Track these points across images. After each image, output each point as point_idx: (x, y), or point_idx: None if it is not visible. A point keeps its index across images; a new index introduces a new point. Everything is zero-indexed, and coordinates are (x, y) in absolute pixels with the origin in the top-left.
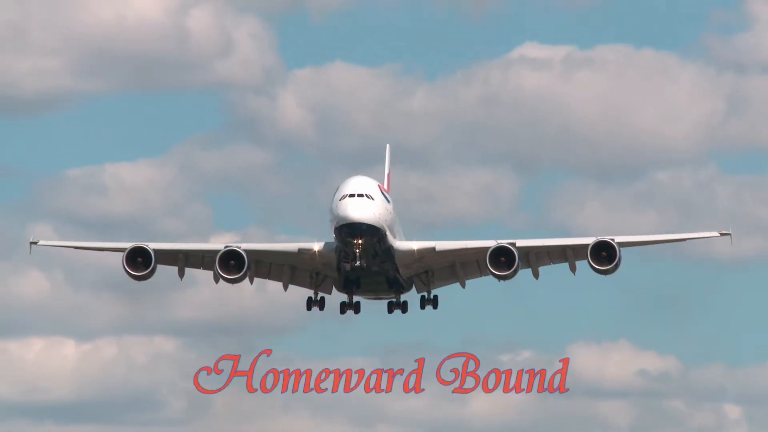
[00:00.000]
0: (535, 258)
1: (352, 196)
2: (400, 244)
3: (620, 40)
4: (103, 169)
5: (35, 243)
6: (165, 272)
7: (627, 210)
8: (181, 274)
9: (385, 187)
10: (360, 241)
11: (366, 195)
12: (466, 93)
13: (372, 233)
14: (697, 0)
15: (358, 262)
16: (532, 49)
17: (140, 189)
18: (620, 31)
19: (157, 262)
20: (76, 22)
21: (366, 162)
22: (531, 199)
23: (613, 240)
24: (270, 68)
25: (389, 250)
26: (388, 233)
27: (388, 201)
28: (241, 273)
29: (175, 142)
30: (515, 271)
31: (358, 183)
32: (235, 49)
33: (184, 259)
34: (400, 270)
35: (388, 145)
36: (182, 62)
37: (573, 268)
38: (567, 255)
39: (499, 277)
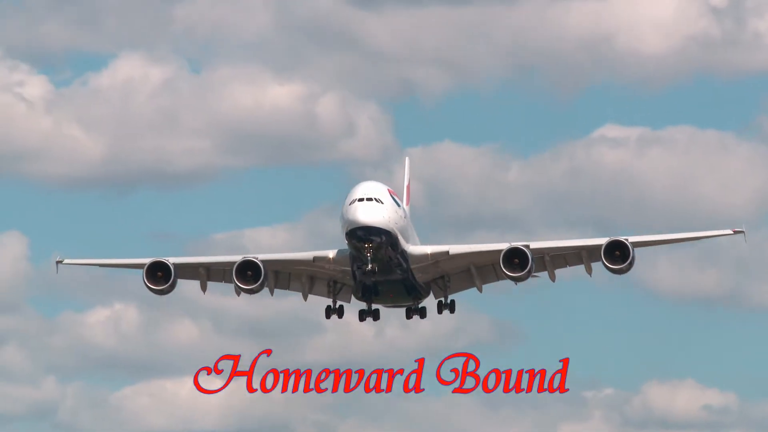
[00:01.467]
0: (551, 261)
1: (361, 200)
2: (414, 248)
3: (686, 121)
4: (244, 233)
5: (61, 262)
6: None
7: (692, 267)
8: (204, 288)
9: (405, 198)
10: (370, 245)
11: (375, 199)
12: (554, 167)
13: (382, 236)
14: (751, 87)
15: (369, 266)
16: (611, 130)
17: (276, 250)
18: (686, 114)
19: (177, 277)
20: (221, 108)
21: (469, 227)
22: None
23: (627, 240)
24: (387, 147)
25: (403, 254)
26: (400, 237)
27: (399, 205)
28: (258, 283)
29: (305, 210)
30: (529, 272)
31: (368, 187)
32: (357, 130)
33: (205, 274)
34: (416, 275)
35: (407, 158)
36: (312, 142)
37: (588, 270)
38: (582, 256)
39: (514, 279)
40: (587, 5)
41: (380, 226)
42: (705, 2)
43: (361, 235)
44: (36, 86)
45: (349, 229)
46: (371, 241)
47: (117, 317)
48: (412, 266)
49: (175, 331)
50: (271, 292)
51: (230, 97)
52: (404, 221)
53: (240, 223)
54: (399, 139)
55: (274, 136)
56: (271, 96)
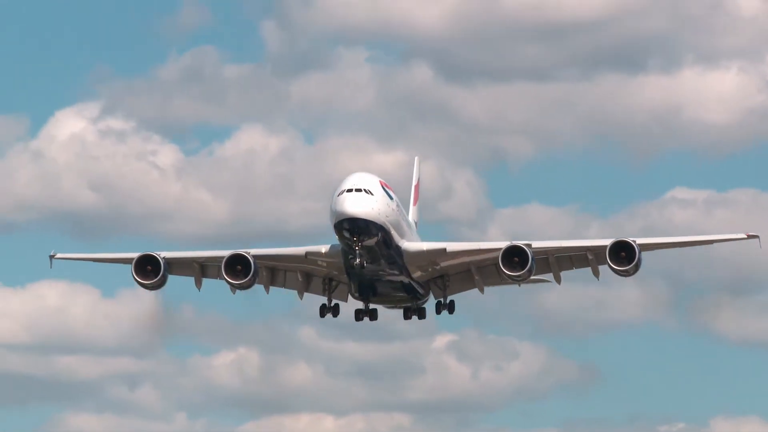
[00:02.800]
0: (556, 262)
1: (350, 191)
2: (409, 244)
3: (749, 184)
4: None
5: (54, 256)
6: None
7: (757, 316)
8: (198, 284)
9: (412, 197)
10: (359, 238)
11: (365, 190)
12: (630, 226)
13: (372, 229)
14: None
15: (357, 260)
16: (681, 192)
17: None
18: (749, 178)
19: (168, 272)
20: (332, 174)
21: None
22: (681, 304)
23: (634, 242)
24: (480, 208)
25: (397, 250)
26: (392, 231)
27: (392, 198)
28: (248, 278)
29: None
30: (529, 272)
31: (357, 178)
32: (453, 193)
33: (199, 270)
34: (412, 273)
35: (417, 158)
36: None
37: (596, 273)
38: (588, 259)
39: (514, 279)
40: (658, 81)
41: (369, 218)
42: (763, 78)
43: (349, 228)
44: (167, 155)
45: (336, 220)
46: (360, 234)
47: (240, 360)
48: (407, 263)
49: (292, 373)
50: (267, 290)
51: (340, 164)
52: (397, 215)
53: None
54: (491, 201)
55: None
56: (376, 163)
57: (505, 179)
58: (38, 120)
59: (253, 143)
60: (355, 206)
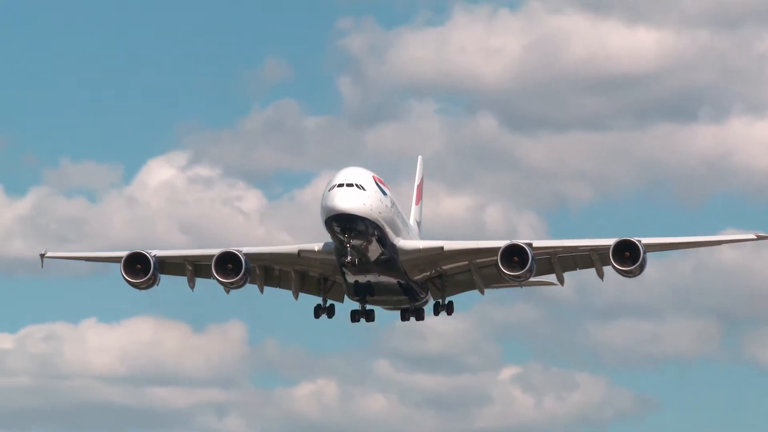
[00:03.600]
0: (559, 262)
1: (341, 186)
2: (405, 243)
3: None
4: None
5: (44, 255)
6: None
7: None
8: (192, 284)
9: (414, 197)
10: (351, 235)
11: (357, 185)
12: (683, 265)
13: (363, 225)
14: None
15: (349, 258)
16: (731, 234)
17: None
18: None
19: (158, 270)
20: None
21: (611, 315)
22: (730, 342)
23: (637, 240)
24: None
25: (391, 248)
26: (386, 229)
27: (385, 194)
28: (239, 276)
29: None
30: (529, 271)
31: (349, 173)
32: (517, 235)
33: (192, 269)
34: (409, 272)
35: (420, 157)
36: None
37: (600, 274)
38: (592, 259)
39: (514, 278)
40: (708, 129)
41: (360, 214)
42: None
43: (339, 224)
44: (251, 200)
45: (326, 216)
46: (351, 231)
47: (319, 391)
48: (403, 262)
49: (367, 402)
50: (261, 290)
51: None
52: (391, 211)
53: None
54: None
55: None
56: (445, 206)
57: (566, 221)
58: (132, 168)
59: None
60: (346, 201)
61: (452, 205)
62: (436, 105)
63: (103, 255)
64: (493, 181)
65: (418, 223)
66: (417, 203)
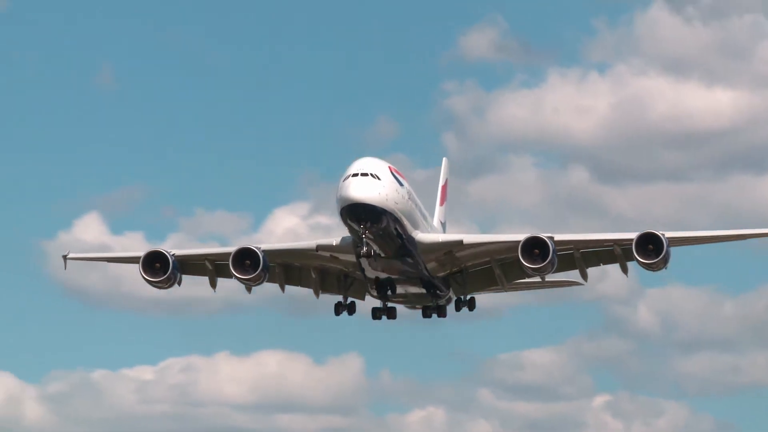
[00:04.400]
0: (582, 258)
1: (355, 175)
2: (423, 235)
3: None
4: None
5: (66, 256)
6: None
7: None
8: (213, 284)
9: (438, 197)
10: (365, 226)
11: (371, 174)
12: (760, 303)
13: (378, 215)
14: None
15: (365, 249)
16: None
17: None
18: None
19: (177, 269)
20: None
21: (693, 348)
22: None
23: (663, 235)
24: (633, 289)
25: (409, 240)
26: (404, 220)
27: (402, 185)
28: (257, 272)
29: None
30: (551, 264)
31: (364, 162)
32: (607, 276)
33: (212, 268)
34: (428, 267)
35: (444, 159)
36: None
37: (624, 269)
38: (615, 254)
39: (534, 271)
40: None
41: (375, 204)
42: None
43: (354, 214)
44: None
45: (341, 207)
46: (365, 221)
47: (428, 417)
48: (422, 255)
49: (471, 428)
50: (282, 288)
51: None
52: (408, 203)
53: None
54: (641, 284)
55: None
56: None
57: None
58: (260, 217)
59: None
60: (361, 191)
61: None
62: (532, 159)
63: (124, 255)
64: (584, 227)
65: (443, 224)
66: (441, 204)
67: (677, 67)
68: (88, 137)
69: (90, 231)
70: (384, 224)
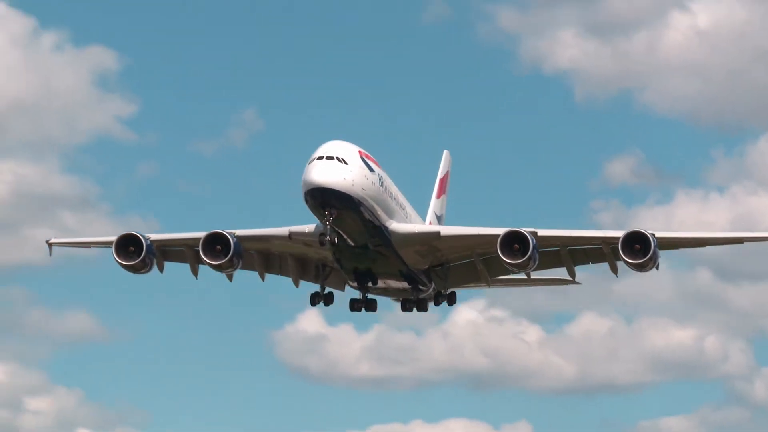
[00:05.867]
0: (569, 255)
1: (320, 158)
2: (399, 225)
3: None
4: None
5: (49, 242)
6: None
7: None
8: (195, 271)
9: (435, 190)
10: (328, 212)
11: (338, 158)
12: None
13: (343, 202)
14: None
15: (328, 237)
16: None
17: None
18: None
19: (153, 254)
20: (644, 345)
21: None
22: None
23: (652, 234)
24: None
25: (381, 231)
26: (376, 208)
27: (372, 171)
28: (227, 258)
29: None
30: (530, 260)
31: (331, 146)
32: (729, 358)
33: (192, 255)
34: (406, 259)
35: (446, 152)
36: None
37: (613, 268)
38: (605, 252)
39: (513, 267)
40: None
41: (340, 189)
42: None
43: (316, 199)
44: (532, 333)
45: (304, 191)
46: (330, 207)
47: None
48: (397, 247)
49: None
50: (262, 277)
51: (648, 338)
52: (378, 189)
53: None
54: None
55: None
56: (676, 337)
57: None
58: (445, 313)
59: (590, 326)
60: (324, 175)
61: (680, 336)
62: (665, 261)
63: (103, 240)
64: (711, 318)
65: (439, 217)
66: (438, 197)
67: None
68: None
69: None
70: (350, 211)
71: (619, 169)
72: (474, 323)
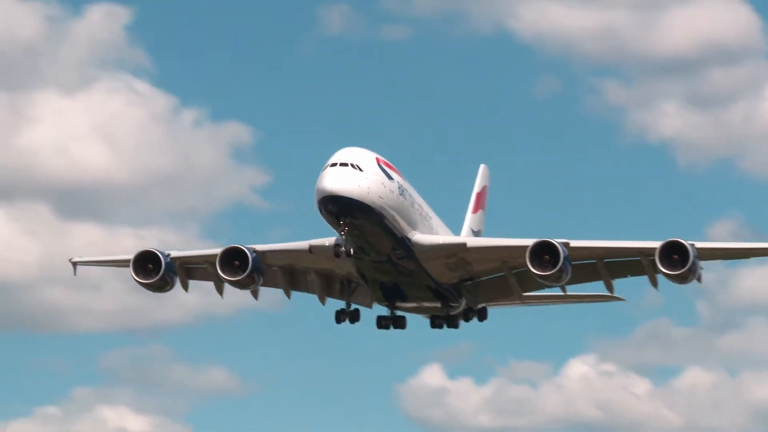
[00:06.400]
0: (606, 268)
1: (334, 165)
2: (422, 237)
3: None
4: None
5: (72, 261)
6: None
7: None
8: (219, 290)
9: (472, 204)
10: (343, 222)
11: (352, 165)
12: None
13: (358, 211)
14: None
15: (343, 248)
16: None
17: None
18: None
19: (173, 272)
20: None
21: None
22: None
23: (692, 245)
24: None
25: (403, 242)
26: (396, 218)
27: (391, 179)
28: (245, 274)
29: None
30: (561, 272)
31: (345, 152)
32: None
33: (215, 273)
34: (432, 273)
35: (483, 166)
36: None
37: (653, 281)
38: (643, 265)
39: (543, 279)
40: None
41: (355, 197)
42: None
43: (330, 208)
44: (640, 386)
45: (317, 199)
46: (344, 217)
47: None
48: (422, 259)
49: None
50: (287, 294)
51: (752, 392)
52: (398, 198)
53: None
54: None
55: None
56: None
57: None
58: (558, 365)
59: (696, 380)
60: (338, 183)
61: None
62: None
63: (122, 258)
64: None
65: (475, 232)
66: (475, 212)
67: None
68: None
69: None
70: (366, 221)
71: (720, 231)
72: (585, 376)
